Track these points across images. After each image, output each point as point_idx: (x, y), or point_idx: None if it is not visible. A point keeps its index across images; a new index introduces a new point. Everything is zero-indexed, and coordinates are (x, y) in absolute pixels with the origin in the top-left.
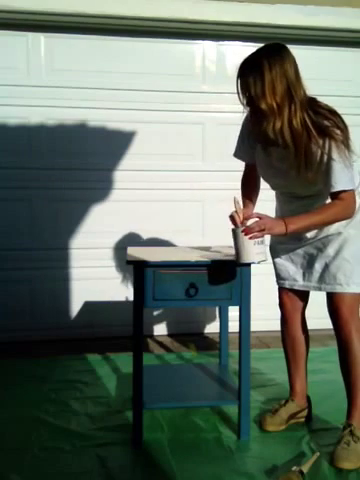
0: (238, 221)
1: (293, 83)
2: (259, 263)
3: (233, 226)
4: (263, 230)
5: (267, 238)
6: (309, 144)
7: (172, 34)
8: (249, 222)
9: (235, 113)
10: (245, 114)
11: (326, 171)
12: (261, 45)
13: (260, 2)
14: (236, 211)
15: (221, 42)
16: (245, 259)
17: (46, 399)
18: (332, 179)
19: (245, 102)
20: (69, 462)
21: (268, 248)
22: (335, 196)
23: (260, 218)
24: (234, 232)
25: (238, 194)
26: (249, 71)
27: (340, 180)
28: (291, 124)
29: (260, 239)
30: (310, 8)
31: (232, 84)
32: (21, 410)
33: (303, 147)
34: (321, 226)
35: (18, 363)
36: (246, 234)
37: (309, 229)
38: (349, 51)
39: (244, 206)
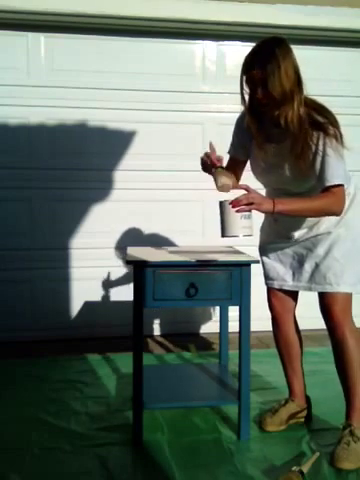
0: (212, 160)
1: (299, 72)
2: (244, 236)
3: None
4: (251, 204)
5: (256, 233)
6: (309, 135)
7: (172, 34)
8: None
9: (235, 113)
10: (240, 112)
11: (320, 165)
12: None
13: (260, 2)
14: (208, 153)
15: (221, 42)
16: (230, 232)
17: (46, 399)
18: (327, 173)
19: (260, 94)
20: (69, 462)
21: (257, 228)
22: (326, 190)
23: (248, 192)
24: (221, 204)
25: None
26: (265, 61)
27: (334, 174)
28: (299, 112)
29: (247, 213)
30: (310, 8)
31: (232, 84)
32: (21, 410)
33: (305, 136)
34: (308, 215)
35: (18, 363)
36: (233, 207)
37: (297, 214)
38: (349, 51)
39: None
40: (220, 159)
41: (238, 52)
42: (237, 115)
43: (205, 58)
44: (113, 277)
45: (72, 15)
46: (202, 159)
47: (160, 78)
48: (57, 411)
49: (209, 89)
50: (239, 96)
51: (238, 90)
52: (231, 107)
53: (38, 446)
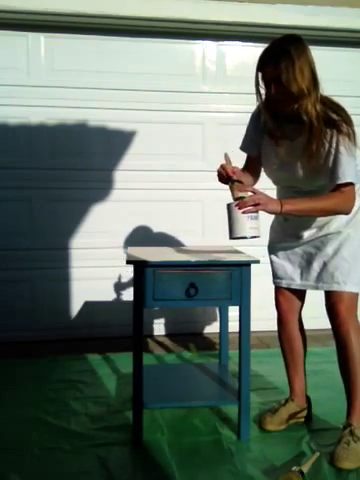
0: (227, 172)
1: (315, 70)
2: (252, 238)
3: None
4: (257, 205)
5: (265, 232)
6: (323, 133)
7: (172, 34)
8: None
9: (235, 113)
10: (254, 108)
11: (332, 163)
12: (261, 45)
13: (260, 2)
14: (224, 166)
15: (221, 42)
16: (238, 233)
17: (46, 399)
18: (338, 171)
19: (273, 90)
20: (69, 462)
21: (264, 228)
22: (337, 189)
23: (254, 193)
24: (228, 207)
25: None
26: (279, 58)
27: (346, 172)
28: (315, 108)
29: (254, 214)
30: (310, 8)
31: (232, 84)
32: (21, 410)
33: (319, 134)
34: (316, 214)
35: (18, 363)
36: (240, 208)
37: (305, 215)
38: (349, 51)
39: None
40: (235, 171)
41: (238, 52)
42: (237, 115)
43: (205, 58)
44: (116, 277)
45: (72, 15)
46: (219, 172)
47: (160, 78)
48: (57, 411)
49: (209, 89)
50: (238, 96)
51: (238, 90)
52: (231, 107)
53: (38, 446)
